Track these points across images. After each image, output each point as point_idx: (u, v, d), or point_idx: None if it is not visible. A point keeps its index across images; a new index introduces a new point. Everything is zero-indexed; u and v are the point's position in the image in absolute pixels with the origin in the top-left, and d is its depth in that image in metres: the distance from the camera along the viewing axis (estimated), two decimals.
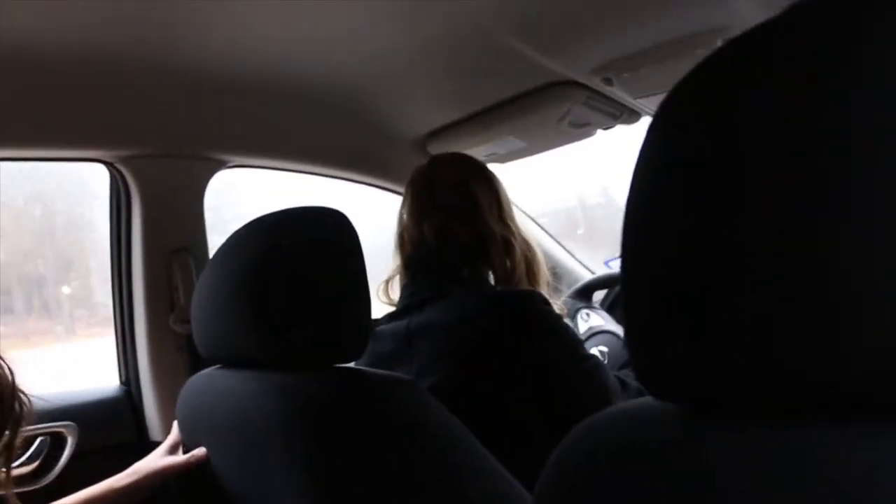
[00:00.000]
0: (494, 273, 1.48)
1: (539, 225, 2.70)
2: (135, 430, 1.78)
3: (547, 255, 2.45)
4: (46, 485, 1.56)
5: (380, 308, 1.55)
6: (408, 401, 1.03)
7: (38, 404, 1.60)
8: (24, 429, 0.88)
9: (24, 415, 0.88)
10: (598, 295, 2.48)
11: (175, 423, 1.39)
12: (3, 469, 0.89)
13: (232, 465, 1.18)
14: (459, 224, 1.50)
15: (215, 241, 1.81)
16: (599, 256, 2.80)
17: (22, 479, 1.55)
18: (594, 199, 4.07)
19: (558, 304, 1.45)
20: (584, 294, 2.32)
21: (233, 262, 1.16)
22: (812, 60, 0.42)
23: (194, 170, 1.82)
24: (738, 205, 0.44)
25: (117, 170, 1.75)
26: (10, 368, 0.87)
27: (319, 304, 1.06)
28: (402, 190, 2.15)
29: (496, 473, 1.01)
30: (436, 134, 2.15)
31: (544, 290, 1.51)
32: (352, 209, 1.13)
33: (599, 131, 2.08)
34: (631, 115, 1.97)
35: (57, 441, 1.61)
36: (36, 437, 1.58)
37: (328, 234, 1.09)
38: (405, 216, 1.59)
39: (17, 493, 1.47)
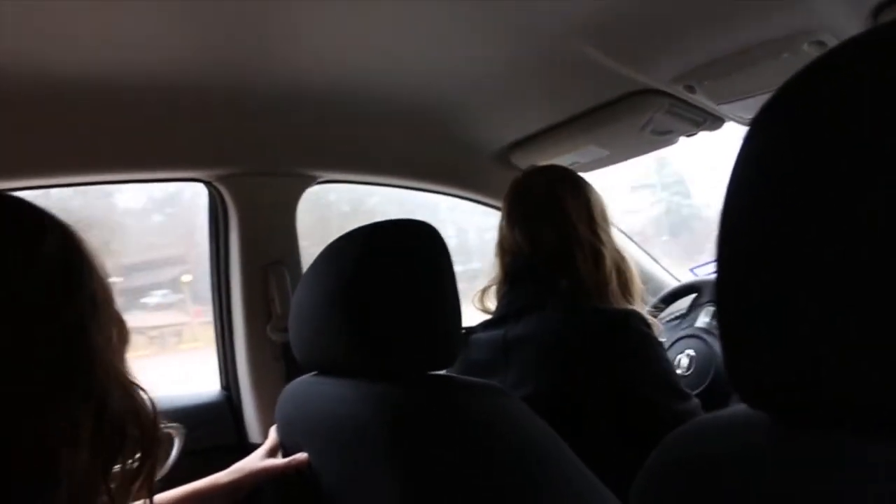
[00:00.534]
0: (583, 284, 1.47)
1: (622, 231, 2.69)
2: (235, 433, 1.87)
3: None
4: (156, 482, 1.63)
5: (473, 316, 1.59)
6: (499, 408, 1.05)
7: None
8: (170, 460, 0.89)
9: (167, 446, 0.90)
10: (686, 301, 2.46)
11: (273, 427, 1.44)
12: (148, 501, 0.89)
13: (327, 469, 1.22)
14: (547, 233, 1.52)
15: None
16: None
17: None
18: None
19: (658, 327, 1.45)
20: (670, 301, 2.31)
21: (328, 273, 1.21)
22: None
23: (287, 186, 1.90)
24: (832, 218, 0.44)
25: (215, 188, 1.85)
26: (151, 400, 0.85)
27: (413, 314, 1.10)
28: (485, 200, 2.19)
29: (587, 481, 1.01)
30: (519, 144, 2.17)
31: (638, 304, 1.51)
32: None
33: (682, 138, 2.07)
34: (714, 122, 1.95)
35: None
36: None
37: (420, 245, 1.14)
38: (503, 226, 1.62)
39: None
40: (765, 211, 0.49)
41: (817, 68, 0.48)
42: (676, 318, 2.49)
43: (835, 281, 0.44)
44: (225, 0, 1.25)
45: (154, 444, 0.86)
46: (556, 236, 1.51)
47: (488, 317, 1.59)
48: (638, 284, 1.55)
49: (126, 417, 0.82)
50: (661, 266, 2.79)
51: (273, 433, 1.44)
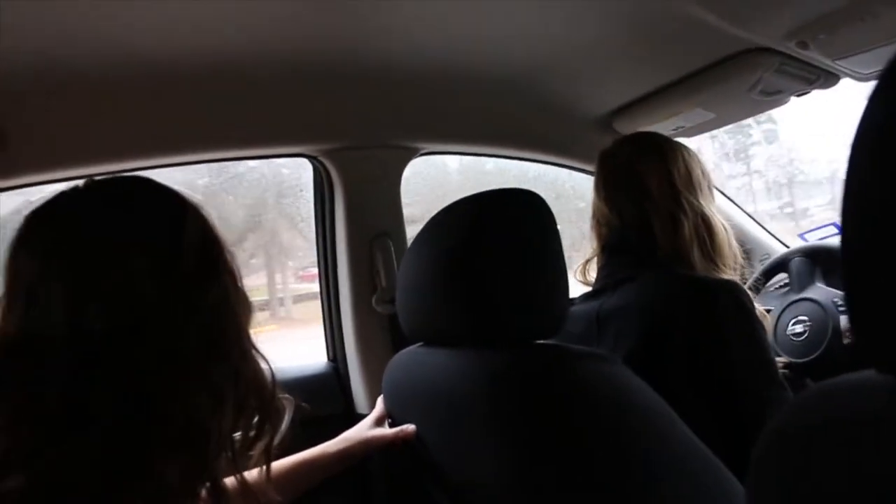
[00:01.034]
0: (661, 251, 1.46)
1: (727, 196, 2.62)
2: (342, 403, 1.91)
3: (736, 230, 2.37)
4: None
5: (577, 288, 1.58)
6: (609, 374, 1.04)
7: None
8: (282, 429, 0.92)
9: (283, 415, 0.92)
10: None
11: (380, 398, 1.46)
12: (264, 467, 0.94)
13: (436, 437, 1.23)
14: (627, 202, 1.52)
15: None
16: None
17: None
18: None
19: (758, 308, 1.41)
20: (779, 269, 2.23)
21: (435, 244, 1.22)
22: None
23: (390, 159, 1.92)
24: None
25: (320, 162, 1.88)
26: (272, 370, 0.90)
27: (520, 283, 1.09)
28: (588, 168, 2.17)
29: (694, 444, 0.99)
30: (621, 111, 2.13)
31: (728, 272, 1.48)
32: None
33: (792, 98, 1.99)
34: (829, 79, 1.86)
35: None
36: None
37: (527, 214, 1.13)
38: (594, 197, 1.61)
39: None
40: (891, 173, 0.46)
41: None
42: (784, 285, 2.42)
43: None
44: None
45: (273, 412, 0.91)
46: (635, 205, 1.50)
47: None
48: (728, 251, 1.51)
49: (252, 386, 0.87)
50: (768, 231, 2.70)
51: (380, 403, 1.46)
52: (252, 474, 0.93)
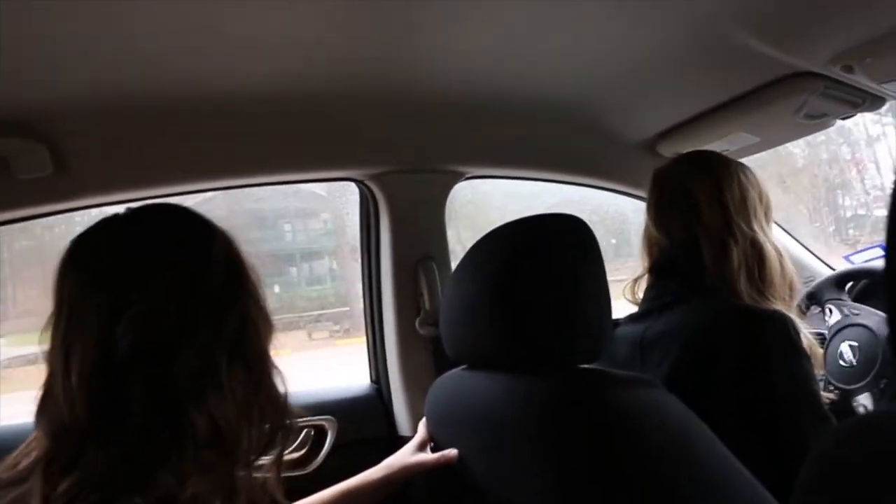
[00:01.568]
0: (708, 276, 1.43)
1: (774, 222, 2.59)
2: (385, 426, 1.92)
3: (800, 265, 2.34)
4: (311, 472, 1.71)
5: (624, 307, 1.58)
6: (653, 400, 1.04)
7: (300, 398, 1.79)
8: (291, 442, 0.96)
9: (293, 428, 0.95)
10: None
11: (423, 421, 1.46)
12: (274, 476, 0.96)
13: (476, 462, 1.23)
14: (677, 225, 1.50)
15: None
16: None
17: (290, 465, 1.71)
18: None
19: (807, 337, 1.38)
20: (825, 291, 2.20)
21: (479, 268, 1.23)
22: None
23: (435, 182, 1.94)
24: None
25: (366, 186, 1.90)
26: (285, 384, 0.95)
27: (564, 308, 1.10)
28: (632, 191, 2.16)
29: (741, 475, 0.98)
30: (665, 134, 2.12)
31: (778, 302, 1.43)
32: None
33: (838, 121, 1.97)
34: (874, 102, 1.83)
35: (318, 433, 1.77)
36: (302, 428, 1.75)
37: (569, 239, 1.14)
38: (647, 218, 1.60)
39: (286, 477, 1.65)
40: None
41: None
42: (833, 305, 2.38)
43: None
44: (378, 10, 1.30)
45: (285, 426, 0.94)
46: (684, 227, 1.48)
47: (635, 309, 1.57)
48: (778, 281, 1.45)
49: (269, 398, 0.92)
50: (813, 254, 2.67)
51: (423, 427, 1.46)
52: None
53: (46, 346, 0.84)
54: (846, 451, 0.56)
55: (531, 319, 1.10)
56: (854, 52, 1.58)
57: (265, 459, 0.93)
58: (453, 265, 1.68)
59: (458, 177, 1.98)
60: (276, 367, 0.95)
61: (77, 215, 1.65)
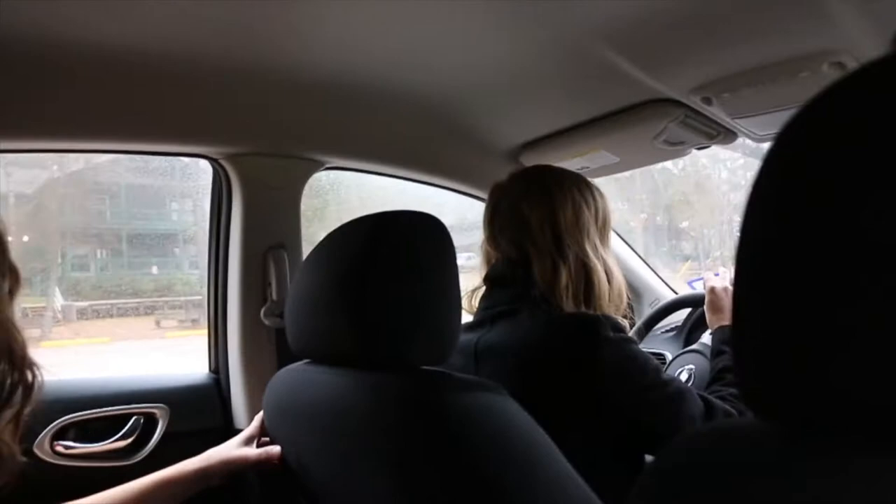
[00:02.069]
0: (538, 291, 1.43)
1: (624, 241, 2.68)
2: (222, 417, 1.85)
3: (629, 274, 2.43)
4: (139, 462, 1.64)
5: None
6: (494, 404, 1.03)
7: (132, 385, 1.70)
8: (33, 400, 0.91)
9: (37, 385, 0.90)
10: (681, 314, 2.46)
11: (259, 415, 1.43)
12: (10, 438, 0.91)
13: (316, 457, 1.20)
14: (508, 239, 1.51)
15: None
16: None
17: (116, 454, 1.63)
18: None
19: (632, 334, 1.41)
20: (666, 313, 2.29)
21: (330, 261, 1.19)
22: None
23: (293, 169, 1.88)
24: (841, 241, 0.45)
25: (221, 166, 1.82)
26: (24, 339, 0.90)
27: (412, 307, 1.08)
28: None
29: (576, 483, 0.99)
30: (530, 145, 2.15)
31: (612, 314, 1.45)
32: None
33: (693, 150, 2.06)
34: (728, 136, 1.93)
35: (149, 421, 1.69)
36: (131, 415, 1.66)
37: (424, 239, 1.12)
38: (483, 229, 1.61)
39: (114, 467, 1.57)
40: (779, 231, 0.49)
41: (840, 89, 0.48)
42: (671, 329, 2.49)
43: (851, 296, 0.44)
44: None
45: (19, 380, 0.90)
46: (517, 248, 1.49)
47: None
48: (605, 303, 1.47)
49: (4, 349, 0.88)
50: (660, 277, 2.79)
51: (257, 420, 1.42)
52: None
53: None
54: (677, 464, 0.57)
55: (376, 316, 1.08)
56: (714, 85, 1.66)
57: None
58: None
59: (318, 166, 1.92)
60: (17, 327, 0.89)
61: None
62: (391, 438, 1.00)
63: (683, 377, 1.98)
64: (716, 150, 2.03)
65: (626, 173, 2.43)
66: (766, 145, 0.51)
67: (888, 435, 0.44)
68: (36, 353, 0.91)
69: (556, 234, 1.46)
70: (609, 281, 1.49)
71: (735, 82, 1.62)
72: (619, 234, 2.62)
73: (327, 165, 1.95)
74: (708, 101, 1.72)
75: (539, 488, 0.94)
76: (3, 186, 2.55)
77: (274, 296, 1.79)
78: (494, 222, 1.56)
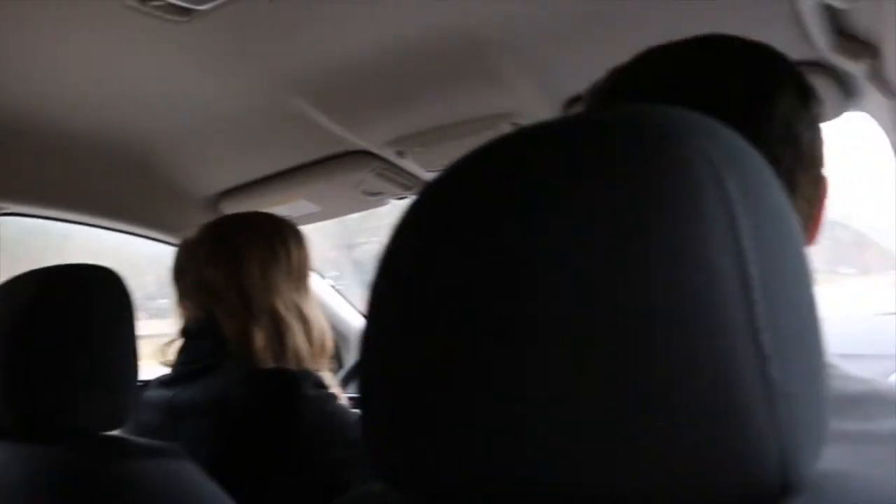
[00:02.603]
0: (232, 345, 1.39)
1: (334, 287, 2.68)
2: None
3: (333, 318, 2.42)
4: None
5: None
6: (176, 471, 0.99)
7: None
8: None
9: None
10: None
11: None
12: None
13: None
14: (195, 305, 1.46)
15: None
16: None
17: None
18: None
19: (335, 388, 1.42)
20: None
21: None
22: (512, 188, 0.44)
23: None
24: (454, 313, 0.42)
25: None
26: None
27: (82, 368, 1.00)
28: None
29: None
30: (229, 193, 2.09)
31: (308, 366, 1.44)
32: None
33: (392, 201, 2.12)
34: (423, 188, 2.02)
35: None
36: None
37: (97, 293, 1.05)
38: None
39: None
40: (403, 290, 0.47)
41: (484, 151, 0.49)
42: None
43: (479, 367, 0.41)
44: None
45: None
46: (205, 313, 1.44)
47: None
48: (304, 349, 1.45)
49: None
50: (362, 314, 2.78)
51: None
52: None
53: None
54: None
55: (43, 380, 0.99)
56: (406, 139, 1.73)
57: None
58: None
59: None
60: None
61: None
62: None
63: None
64: None
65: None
66: None
67: None
68: None
69: (244, 295, 1.42)
70: (308, 332, 1.47)
71: (426, 137, 1.70)
72: (322, 275, 2.59)
73: (3, 212, 1.76)
74: (402, 154, 1.78)
75: None
76: None
77: None
78: (180, 287, 1.51)
